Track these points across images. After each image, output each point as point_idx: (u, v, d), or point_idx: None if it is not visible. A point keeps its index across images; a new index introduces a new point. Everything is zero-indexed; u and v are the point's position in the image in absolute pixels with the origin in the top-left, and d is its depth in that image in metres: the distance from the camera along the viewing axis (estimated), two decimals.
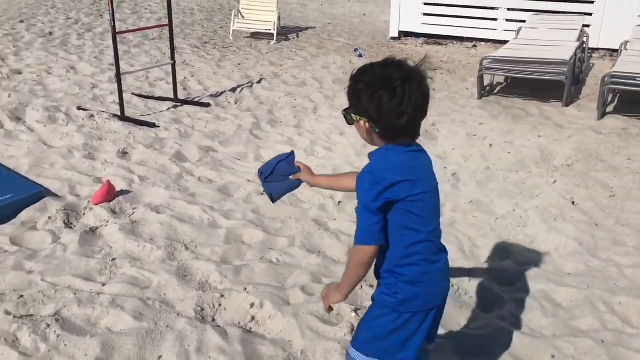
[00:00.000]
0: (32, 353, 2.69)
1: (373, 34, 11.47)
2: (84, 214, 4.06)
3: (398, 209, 1.82)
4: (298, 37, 10.94)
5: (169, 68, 7.27)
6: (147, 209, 4.07)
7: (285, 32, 11.28)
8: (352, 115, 1.89)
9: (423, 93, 1.82)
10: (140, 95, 6.85)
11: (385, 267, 1.92)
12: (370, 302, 2.05)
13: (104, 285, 3.22)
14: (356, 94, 1.84)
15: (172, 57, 6.63)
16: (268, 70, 8.29)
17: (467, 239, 3.82)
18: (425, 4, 10.59)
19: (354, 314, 2.96)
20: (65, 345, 2.73)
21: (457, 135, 5.71)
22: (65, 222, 3.90)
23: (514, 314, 3.08)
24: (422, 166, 1.92)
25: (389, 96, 1.78)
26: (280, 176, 2.37)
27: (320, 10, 14.73)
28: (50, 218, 3.90)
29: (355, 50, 9.64)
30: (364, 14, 14.19)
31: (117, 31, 5.77)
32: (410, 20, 10.76)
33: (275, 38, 10.35)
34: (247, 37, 10.77)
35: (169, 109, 6.45)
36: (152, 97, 6.80)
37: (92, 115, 5.94)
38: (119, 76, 5.94)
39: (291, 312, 2.97)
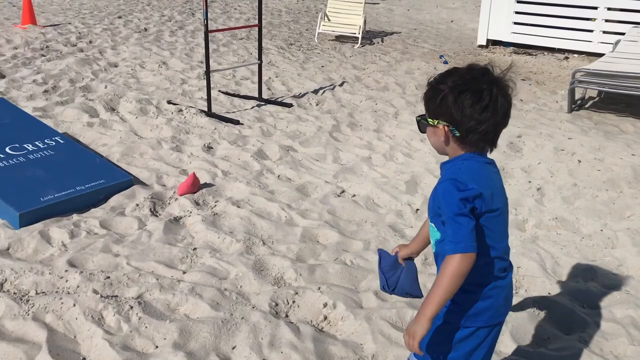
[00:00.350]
0: (115, 332, 2.82)
1: (460, 41, 11.27)
2: (169, 203, 4.22)
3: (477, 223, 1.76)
4: (382, 42, 10.92)
5: (255, 67, 7.45)
6: (228, 202, 4.18)
7: (369, 36, 11.28)
8: (429, 120, 1.84)
9: (508, 100, 1.77)
10: (226, 93, 7.05)
11: None
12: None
13: (184, 273, 3.34)
14: (438, 95, 1.79)
15: (259, 57, 6.78)
16: (351, 73, 8.32)
17: (549, 256, 3.68)
18: (517, 12, 10.29)
19: None
20: (146, 327, 2.85)
21: (543, 149, 5.51)
22: (152, 210, 4.07)
23: (597, 339, 2.94)
24: (497, 179, 1.86)
25: (474, 98, 1.73)
26: (393, 273, 2.22)
27: (406, 16, 14.63)
28: (137, 205, 4.08)
29: (441, 56, 9.50)
30: (451, 21, 13.97)
31: (209, 30, 5.96)
32: (499, 28, 10.49)
33: (359, 42, 10.37)
34: (332, 40, 10.85)
35: (253, 107, 6.60)
36: (238, 95, 6.98)
37: (180, 110, 6.18)
38: (208, 73, 6.14)
39: (363, 315, 2.97)
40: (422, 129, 1.89)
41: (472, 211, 1.74)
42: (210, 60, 8.51)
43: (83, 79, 7.28)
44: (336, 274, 3.37)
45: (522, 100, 7.16)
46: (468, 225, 1.72)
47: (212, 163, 4.91)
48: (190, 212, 4.04)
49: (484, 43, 10.64)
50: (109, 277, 3.24)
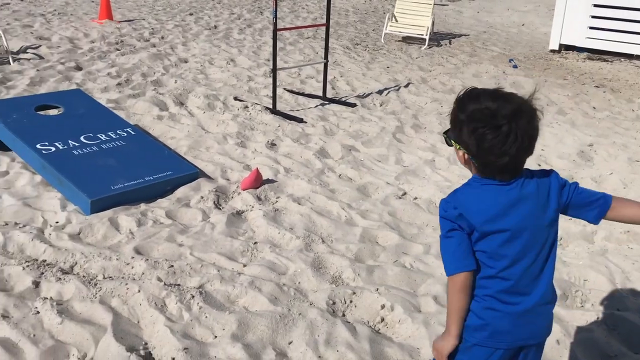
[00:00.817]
0: (176, 319, 2.90)
1: (531, 45, 10.95)
2: (232, 197, 4.30)
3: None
4: (450, 44, 10.75)
5: (321, 67, 7.48)
6: (289, 199, 4.22)
7: (437, 38, 11.13)
8: (452, 141, 1.78)
9: (530, 133, 1.68)
10: (291, 91, 7.12)
11: None
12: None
13: (244, 266, 3.39)
14: (458, 124, 1.73)
15: (326, 57, 6.81)
16: (416, 74, 8.24)
17: (619, 270, 3.51)
18: (593, 17, 9.90)
19: None
20: (206, 317, 2.91)
21: (617, 159, 5.27)
22: (215, 202, 4.15)
23: None
24: (519, 201, 1.75)
25: (492, 134, 1.65)
26: None
27: (476, 18, 14.35)
28: (202, 197, 4.18)
29: (510, 60, 9.26)
30: (523, 24, 13.59)
31: (277, 28, 6.03)
32: (573, 32, 10.11)
33: (426, 43, 10.25)
34: (398, 41, 10.77)
35: (316, 106, 6.64)
36: (302, 94, 7.04)
37: (246, 107, 6.28)
38: (274, 71, 6.21)
39: (422, 319, 2.93)
40: (448, 144, 1.83)
41: (460, 229, 1.74)
42: (277, 59, 8.62)
43: (154, 73, 7.52)
44: (395, 276, 3.34)
45: (595, 108, 6.88)
46: (451, 246, 1.75)
47: (275, 160, 4.97)
48: (252, 207, 4.10)
49: (557, 48, 10.29)
50: (172, 266, 3.33)
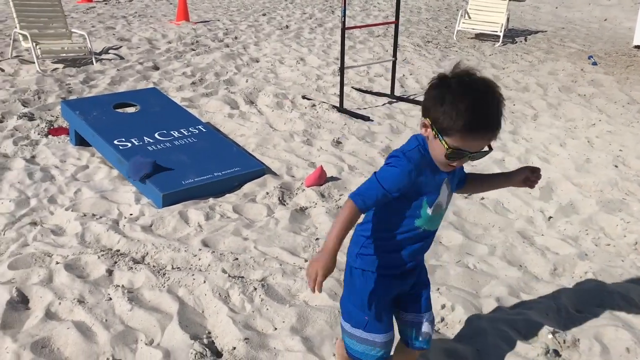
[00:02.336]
0: (239, 310, 2.98)
1: (612, 41, 10.44)
2: (296, 193, 4.37)
3: (394, 200, 1.92)
4: (525, 41, 10.42)
5: (389, 65, 7.44)
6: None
7: (512, 35, 10.82)
8: (426, 118, 1.89)
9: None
10: (359, 90, 7.13)
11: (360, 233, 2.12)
12: None
13: (306, 261, 3.44)
14: (428, 100, 1.86)
15: (394, 54, 6.77)
16: (489, 72, 8.04)
17: None
18: None
19: (550, 336, 2.76)
20: (267, 309, 2.98)
21: None
22: (280, 199, 4.23)
23: None
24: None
25: (453, 109, 1.76)
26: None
27: (554, 14, 13.82)
28: (267, 193, 4.27)
29: (590, 57, 8.87)
30: (605, 19, 12.97)
31: (345, 27, 6.06)
32: None
33: (500, 40, 9.98)
34: (471, 38, 10.55)
35: (384, 104, 6.61)
36: (370, 92, 7.03)
37: (313, 105, 6.35)
38: (342, 70, 6.25)
39: (483, 321, 2.88)
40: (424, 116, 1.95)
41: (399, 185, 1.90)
42: (346, 57, 8.66)
43: (227, 72, 7.73)
44: (457, 276, 3.30)
45: None
46: (372, 188, 1.90)
47: (340, 157, 5.00)
48: (316, 204, 4.14)
49: None
50: (237, 259, 3.42)
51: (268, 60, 8.47)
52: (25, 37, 7.61)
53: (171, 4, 13.90)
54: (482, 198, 4.33)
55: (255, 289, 3.11)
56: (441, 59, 8.83)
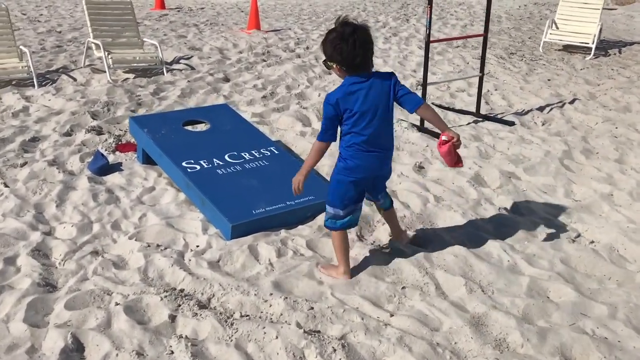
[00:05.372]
0: None
1: None
2: (375, 227, 3.93)
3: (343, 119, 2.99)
4: (620, 53, 9.58)
5: (473, 79, 6.90)
6: (441, 234, 3.76)
7: (604, 47, 10.00)
8: (329, 62, 2.93)
9: (368, 40, 2.88)
10: (439, 106, 6.62)
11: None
12: None
13: (391, 315, 2.99)
14: (325, 48, 2.91)
15: (482, 70, 6.23)
16: (582, 89, 7.35)
17: None
18: None
19: None
20: None
21: None
22: (358, 234, 3.80)
23: None
24: (365, 88, 2.93)
25: (344, 45, 2.82)
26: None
27: None
28: None
29: None
30: None
31: (430, 40, 5.57)
32: None
33: (592, 53, 9.21)
34: (559, 50, 9.81)
35: (469, 123, 6.08)
36: (453, 109, 6.51)
37: None
38: (424, 86, 5.77)
39: None
40: (327, 68, 2.98)
41: (332, 111, 2.97)
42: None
43: (299, 85, 7.39)
44: (574, 344, 2.76)
45: None
46: (325, 126, 3.02)
47: (423, 186, 4.52)
48: (400, 241, 3.69)
49: None
50: (312, 308, 3.02)
51: None
52: (97, 46, 7.53)
53: (242, 11, 13.78)
54: (592, 242, 3.75)
55: (335, 349, 2.69)
56: (528, 73, 8.18)
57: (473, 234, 3.80)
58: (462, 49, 9.68)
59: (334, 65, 2.90)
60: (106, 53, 7.35)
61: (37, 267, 3.38)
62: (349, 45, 2.80)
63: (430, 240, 3.73)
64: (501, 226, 3.92)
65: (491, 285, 3.27)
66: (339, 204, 3.16)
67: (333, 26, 2.94)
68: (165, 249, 3.62)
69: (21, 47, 7.38)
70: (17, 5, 13.91)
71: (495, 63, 8.72)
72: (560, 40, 9.70)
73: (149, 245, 3.63)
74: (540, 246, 3.68)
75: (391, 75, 3.03)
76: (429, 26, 5.48)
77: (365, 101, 2.92)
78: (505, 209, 4.21)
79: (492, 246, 3.64)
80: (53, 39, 9.82)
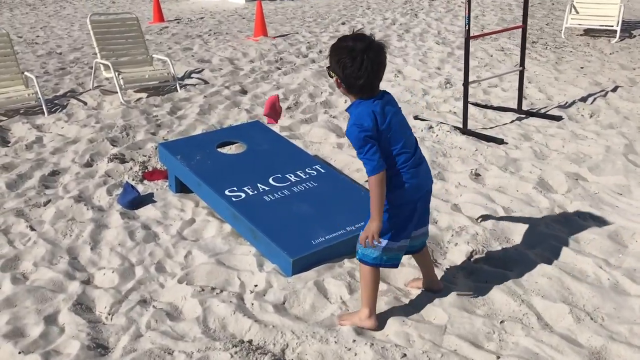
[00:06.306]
0: None
1: None
2: (447, 248, 3.55)
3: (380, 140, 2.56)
4: None
5: (502, 72, 6.54)
6: (525, 254, 3.38)
7: (626, 28, 9.63)
8: (331, 72, 2.56)
9: (379, 61, 2.50)
10: (476, 104, 6.25)
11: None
12: None
13: (498, 358, 2.61)
14: (331, 57, 2.54)
15: (522, 64, 5.86)
16: (620, 75, 6.98)
17: None
18: None
19: None
20: None
21: None
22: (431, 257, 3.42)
23: None
24: (386, 105, 2.59)
25: (350, 61, 2.46)
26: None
27: None
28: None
29: None
30: None
31: (469, 36, 5.20)
32: None
33: (617, 35, 8.84)
34: (580, 35, 9.45)
35: (512, 121, 5.71)
36: (491, 107, 6.14)
37: (430, 127, 5.53)
38: (466, 86, 5.39)
39: None
40: (330, 76, 2.58)
41: (372, 138, 2.52)
42: (448, 66, 7.79)
43: (322, 93, 7.01)
44: None
45: None
46: (373, 155, 2.54)
47: (487, 196, 4.15)
48: (479, 264, 3.31)
49: None
50: (405, 355, 2.64)
51: None
52: (107, 67, 7.15)
53: (244, 18, 13.40)
54: None
55: None
56: (557, 61, 7.81)
57: (557, 249, 3.42)
58: (482, 41, 9.31)
59: (335, 78, 2.56)
60: (116, 73, 6.97)
61: (82, 325, 3.00)
62: (355, 62, 2.44)
63: (513, 260, 3.36)
64: (584, 237, 3.55)
65: (598, 310, 2.90)
66: (395, 235, 2.73)
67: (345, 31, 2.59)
68: (222, 291, 3.24)
69: (26, 73, 7.00)
70: (12, 28, 13.51)
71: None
72: (581, 24, 9.33)
73: (202, 290, 3.25)
74: (637, 257, 3.30)
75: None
76: (467, 22, 5.10)
77: (394, 113, 2.60)
78: (582, 215, 3.83)
79: (584, 262, 3.27)
80: (54, 61, 9.43)
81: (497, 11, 12.13)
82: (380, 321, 2.87)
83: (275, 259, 3.44)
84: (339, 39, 2.55)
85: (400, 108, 2.68)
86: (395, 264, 2.82)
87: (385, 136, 2.54)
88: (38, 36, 12.23)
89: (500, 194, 4.16)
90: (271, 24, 12.14)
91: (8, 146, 5.71)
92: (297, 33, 10.89)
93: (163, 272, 3.49)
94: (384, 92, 2.65)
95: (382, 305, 3.00)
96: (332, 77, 2.57)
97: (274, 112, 4.53)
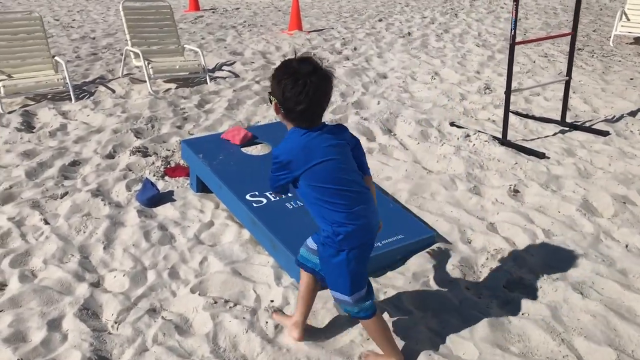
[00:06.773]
0: None
1: None
2: (480, 272, 3.29)
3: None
4: None
5: (546, 80, 6.19)
6: (566, 285, 3.09)
7: None
8: (270, 95, 2.32)
9: (323, 89, 2.25)
10: (517, 113, 5.92)
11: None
12: None
13: None
14: (272, 78, 2.30)
15: (568, 73, 5.51)
16: None
17: None
18: None
19: None
20: None
21: None
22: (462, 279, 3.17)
23: None
24: (322, 142, 2.29)
25: (291, 85, 2.21)
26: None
27: None
28: (447, 274, 3.22)
29: None
30: None
31: (515, 41, 4.88)
32: None
33: None
34: (630, 44, 8.99)
35: (555, 134, 5.38)
36: (533, 117, 5.81)
37: (467, 135, 5.24)
38: (508, 94, 5.08)
39: None
40: (270, 101, 2.32)
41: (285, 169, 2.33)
42: (488, 70, 7.46)
43: (354, 92, 6.76)
44: None
45: None
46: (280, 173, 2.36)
47: (526, 216, 3.85)
48: (518, 293, 3.04)
49: None
50: None
51: (397, 76, 7.41)
52: (137, 55, 7.02)
53: (279, 10, 13.19)
54: None
55: None
56: (604, 71, 7.40)
57: (602, 282, 3.13)
58: (524, 45, 8.92)
59: (275, 102, 2.29)
60: (146, 62, 6.82)
61: (86, 333, 2.82)
62: (297, 86, 2.19)
63: (552, 291, 3.07)
64: (633, 270, 3.24)
65: None
66: (355, 286, 2.46)
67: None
68: (235, 305, 3.03)
69: (56, 57, 6.91)
70: (50, 10, 13.56)
71: (565, 61, 7.95)
72: (632, 32, 8.88)
73: (215, 302, 3.05)
74: None
75: (350, 135, 2.46)
76: (514, 27, 4.79)
77: (325, 150, 2.29)
78: (631, 244, 3.52)
79: (633, 300, 2.97)
80: (87, 45, 9.37)
81: (541, 14, 11.68)
82: (408, 353, 2.63)
83: (294, 273, 3.21)
84: (283, 61, 2.33)
85: (349, 142, 2.40)
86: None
87: (311, 171, 2.28)
88: (74, 20, 12.23)
89: (541, 215, 3.86)
90: (306, 17, 11.91)
91: (33, 132, 5.61)
92: (333, 28, 10.64)
93: (176, 279, 3.31)
94: (326, 125, 2.36)
95: (427, 335, 2.76)
96: (271, 102, 2.32)
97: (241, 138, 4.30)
